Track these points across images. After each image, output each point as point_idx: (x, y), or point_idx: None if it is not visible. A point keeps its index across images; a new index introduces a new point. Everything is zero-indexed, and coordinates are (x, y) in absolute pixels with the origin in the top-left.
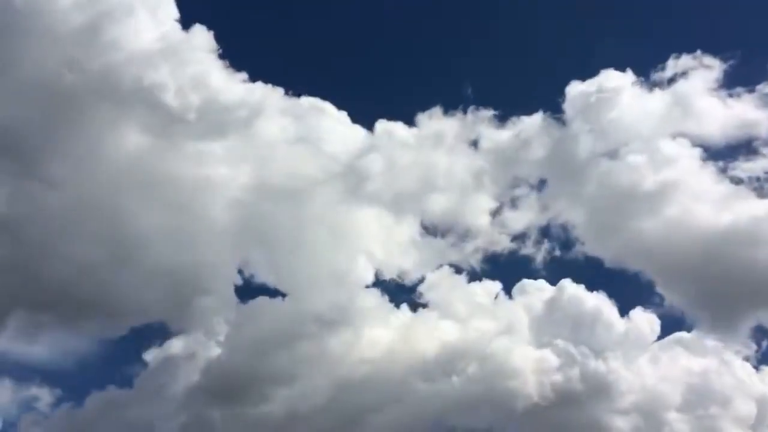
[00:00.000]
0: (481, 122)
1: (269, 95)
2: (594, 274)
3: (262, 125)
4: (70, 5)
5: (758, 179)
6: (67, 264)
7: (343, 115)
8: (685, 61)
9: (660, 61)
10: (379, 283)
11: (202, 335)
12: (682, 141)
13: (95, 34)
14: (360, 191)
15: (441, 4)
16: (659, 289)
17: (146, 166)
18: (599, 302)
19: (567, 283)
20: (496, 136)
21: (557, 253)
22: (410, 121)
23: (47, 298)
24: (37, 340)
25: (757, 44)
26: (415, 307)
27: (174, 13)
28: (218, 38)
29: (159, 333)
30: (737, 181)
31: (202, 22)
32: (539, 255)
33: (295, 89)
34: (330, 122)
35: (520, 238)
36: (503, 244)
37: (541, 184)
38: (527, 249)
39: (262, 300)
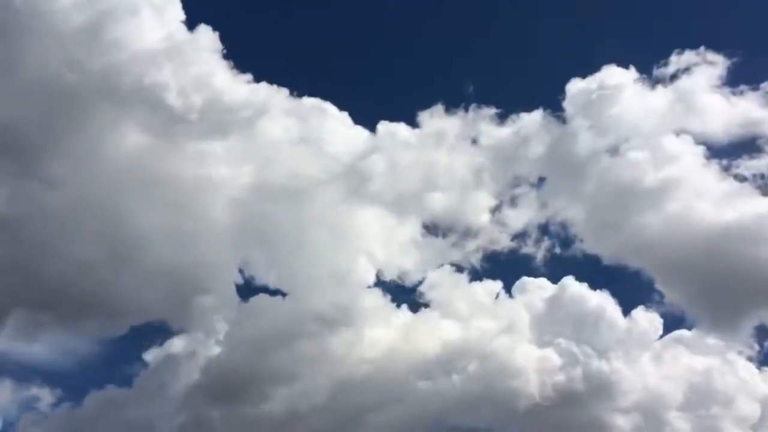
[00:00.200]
0: (482, 120)
1: (273, 96)
2: (595, 272)
3: (265, 125)
4: (73, 5)
5: (762, 177)
6: (68, 263)
7: (345, 116)
8: (689, 57)
9: (663, 57)
10: (381, 283)
11: (202, 334)
12: (685, 138)
13: (98, 33)
14: (361, 191)
15: (442, 3)
16: (661, 287)
17: (148, 166)
18: (601, 300)
19: (568, 281)
20: (497, 133)
21: (558, 250)
22: (412, 121)
23: (47, 298)
24: (36, 340)
25: (761, 42)
26: (416, 306)
27: (179, 13)
28: (223, 39)
29: (159, 332)
30: (741, 178)
31: (207, 23)
32: (540, 253)
33: (299, 90)
34: (332, 123)
35: (520, 236)
36: (504, 242)
37: (541, 182)
38: (528, 247)
39: (263, 299)
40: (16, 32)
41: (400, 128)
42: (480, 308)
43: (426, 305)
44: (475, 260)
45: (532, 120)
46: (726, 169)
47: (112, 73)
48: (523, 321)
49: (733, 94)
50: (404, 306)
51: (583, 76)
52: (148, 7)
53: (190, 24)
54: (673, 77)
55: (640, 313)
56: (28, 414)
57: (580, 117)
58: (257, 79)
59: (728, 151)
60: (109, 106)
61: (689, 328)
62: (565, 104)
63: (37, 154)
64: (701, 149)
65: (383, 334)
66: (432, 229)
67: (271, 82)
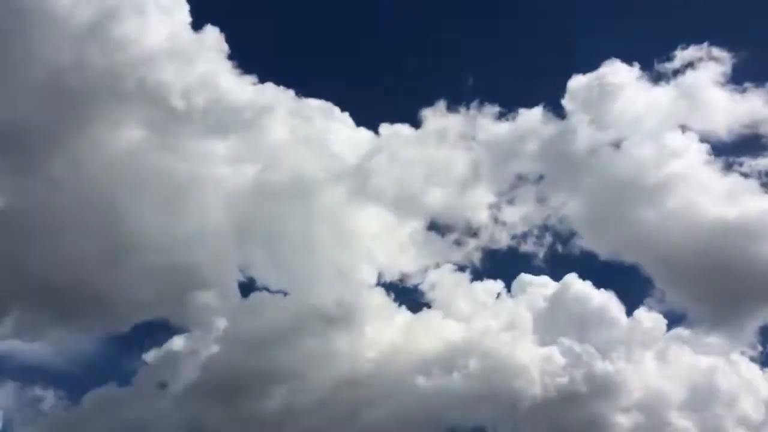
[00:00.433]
0: (483, 117)
1: (278, 97)
2: (597, 270)
3: (268, 126)
4: (79, 4)
5: (766, 174)
6: (69, 262)
7: (347, 116)
8: (693, 52)
9: (666, 52)
10: (382, 283)
11: (202, 332)
12: (689, 134)
13: (103, 33)
14: (364, 191)
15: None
16: (663, 285)
17: (152, 165)
18: (603, 298)
19: (570, 279)
20: (498, 129)
21: (559, 248)
22: (414, 119)
23: (48, 296)
24: (36, 338)
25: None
26: (418, 306)
27: (185, 14)
28: (229, 40)
29: (161, 330)
30: (744, 175)
31: (213, 24)
32: (541, 250)
33: (303, 91)
34: (336, 124)
35: (521, 234)
36: (504, 240)
37: (541, 179)
38: (529, 245)
39: (264, 297)
40: (22, 30)
41: (403, 128)
42: (481, 307)
43: (427, 305)
44: (476, 259)
45: (533, 116)
46: (729, 166)
47: (116, 73)
48: (525, 319)
49: (738, 91)
50: (406, 305)
51: (585, 72)
52: (154, 7)
53: (197, 25)
54: (677, 73)
55: (642, 311)
56: (27, 412)
57: (582, 113)
58: (262, 80)
59: (732, 149)
60: (114, 105)
61: (692, 328)
62: (567, 100)
63: (41, 153)
64: (704, 146)
65: (385, 333)
66: (433, 227)
67: (276, 83)
